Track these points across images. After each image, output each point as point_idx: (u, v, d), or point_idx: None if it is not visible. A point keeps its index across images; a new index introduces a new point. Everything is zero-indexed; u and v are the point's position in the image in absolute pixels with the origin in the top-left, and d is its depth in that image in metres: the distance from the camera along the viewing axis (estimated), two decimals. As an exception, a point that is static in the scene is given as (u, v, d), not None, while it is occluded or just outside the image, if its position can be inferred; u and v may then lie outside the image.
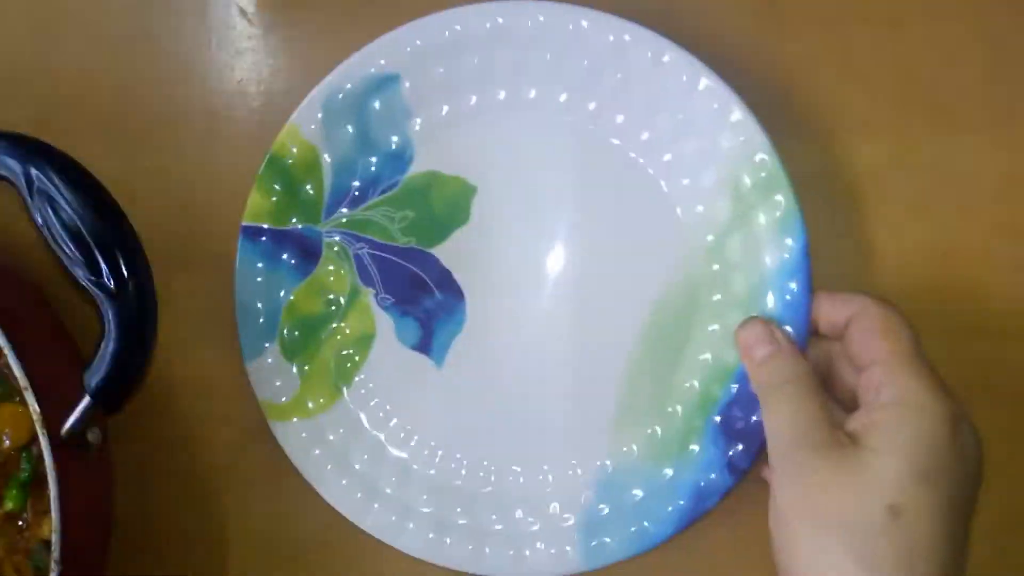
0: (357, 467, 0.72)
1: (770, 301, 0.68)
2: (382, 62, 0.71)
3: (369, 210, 0.73)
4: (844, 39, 0.73)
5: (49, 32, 0.78)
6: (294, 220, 0.72)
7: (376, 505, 0.71)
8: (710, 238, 0.70)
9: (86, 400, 0.60)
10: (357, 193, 0.73)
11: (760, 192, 0.68)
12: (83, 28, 0.78)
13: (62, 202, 0.59)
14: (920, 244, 0.72)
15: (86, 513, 0.63)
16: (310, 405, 0.72)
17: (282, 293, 0.72)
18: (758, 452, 0.67)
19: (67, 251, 0.59)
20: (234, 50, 0.78)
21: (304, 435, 0.71)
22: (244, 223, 0.71)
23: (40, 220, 0.59)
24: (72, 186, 0.59)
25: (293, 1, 0.78)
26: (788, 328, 0.66)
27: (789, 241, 0.67)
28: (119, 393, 0.61)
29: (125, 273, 0.60)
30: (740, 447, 0.68)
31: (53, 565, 0.59)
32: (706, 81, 0.68)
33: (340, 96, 0.71)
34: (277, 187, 0.71)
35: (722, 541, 0.72)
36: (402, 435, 0.73)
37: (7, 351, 0.59)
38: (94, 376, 0.60)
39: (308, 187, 0.72)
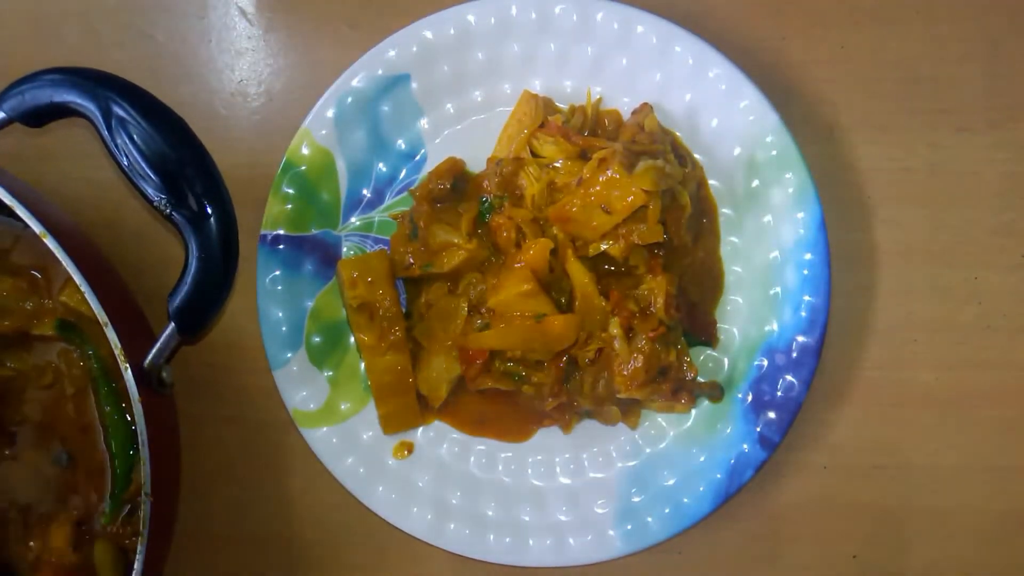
0: (391, 469, 0.71)
1: (790, 275, 0.69)
2: (391, 62, 0.71)
3: (387, 211, 0.73)
4: (844, 39, 0.74)
5: (49, 32, 0.77)
6: (312, 226, 0.72)
7: (414, 508, 0.70)
8: (726, 211, 0.72)
9: (169, 327, 0.60)
10: (373, 196, 0.73)
11: (773, 169, 0.70)
12: (83, 28, 0.77)
13: (141, 133, 0.58)
14: (920, 243, 0.73)
15: (163, 452, 0.62)
16: (343, 408, 0.71)
17: (305, 300, 0.72)
18: (789, 425, 0.69)
19: (149, 178, 0.59)
20: (234, 51, 0.77)
21: (335, 441, 0.71)
22: (262, 231, 0.71)
23: (119, 152, 0.59)
24: (150, 117, 0.59)
25: (293, 2, 0.77)
26: (808, 297, 0.68)
27: (803, 216, 0.69)
28: (200, 314, 0.60)
29: (207, 198, 0.60)
30: (772, 415, 0.69)
31: (144, 496, 0.58)
32: (714, 64, 0.70)
33: (350, 99, 0.71)
34: (292, 193, 0.71)
35: (724, 541, 0.73)
36: (432, 433, 0.72)
37: (86, 291, 0.58)
38: (176, 299, 0.60)
39: (324, 192, 0.72)
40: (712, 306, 0.71)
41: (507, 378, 0.69)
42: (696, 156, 0.72)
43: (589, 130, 0.71)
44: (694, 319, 0.70)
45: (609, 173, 0.65)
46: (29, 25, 0.77)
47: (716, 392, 0.70)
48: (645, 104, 0.71)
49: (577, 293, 0.67)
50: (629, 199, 0.65)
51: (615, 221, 0.65)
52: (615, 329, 0.67)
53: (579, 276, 0.67)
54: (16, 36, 0.77)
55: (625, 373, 0.66)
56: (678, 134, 0.72)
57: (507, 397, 0.71)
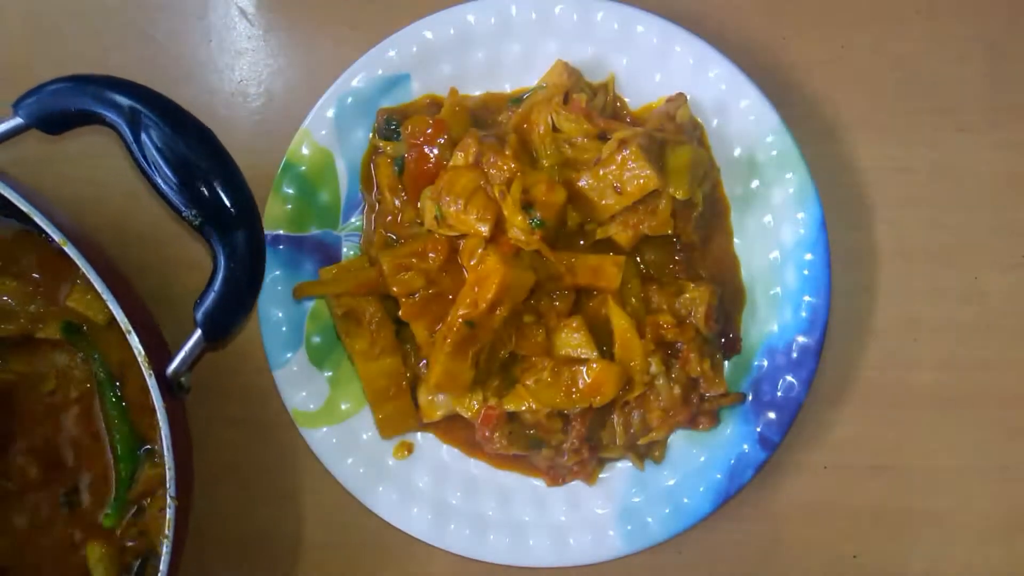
0: (391, 469, 0.71)
1: (790, 275, 0.70)
2: (391, 62, 0.71)
3: (387, 211, 0.73)
4: (844, 39, 0.74)
5: (49, 32, 0.77)
6: (312, 226, 0.72)
7: (414, 508, 0.70)
8: None
9: (196, 335, 0.60)
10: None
11: (773, 169, 0.70)
12: (83, 28, 0.77)
13: (168, 142, 0.58)
14: (920, 244, 0.73)
15: (179, 455, 0.62)
16: (343, 408, 0.71)
17: (305, 301, 0.72)
18: (789, 425, 0.69)
19: (176, 189, 0.59)
20: (234, 51, 0.77)
21: (335, 441, 0.71)
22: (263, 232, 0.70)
23: (145, 162, 0.59)
24: (177, 126, 0.59)
25: (293, 2, 0.77)
26: (808, 298, 0.68)
27: (804, 216, 0.69)
28: (227, 322, 0.60)
29: (233, 207, 0.60)
30: (772, 415, 0.69)
31: (169, 500, 0.59)
32: (714, 64, 0.70)
33: (350, 99, 0.71)
34: (292, 193, 0.71)
35: (724, 541, 0.73)
36: (432, 433, 0.72)
37: (109, 300, 0.58)
38: (203, 307, 0.60)
39: (324, 192, 0.72)
40: (738, 317, 0.71)
41: (524, 439, 0.68)
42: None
43: (609, 113, 0.71)
44: (724, 332, 0.71)
45: (625, 153, 0.65)
46: (29, 25, 0.77)
47: (741, 402, 0.70)
48: (680, 94, 0.70)
49: (617, 339, 0.67)
50: (640, 181, 0.65)
51: (625, 203, 0.65)
52: (657, 367, 0.67)
53: (619, 321, 0.66)
54: (16, 36, 0.77)
55: (661, 405, 0.67)
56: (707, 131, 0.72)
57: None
